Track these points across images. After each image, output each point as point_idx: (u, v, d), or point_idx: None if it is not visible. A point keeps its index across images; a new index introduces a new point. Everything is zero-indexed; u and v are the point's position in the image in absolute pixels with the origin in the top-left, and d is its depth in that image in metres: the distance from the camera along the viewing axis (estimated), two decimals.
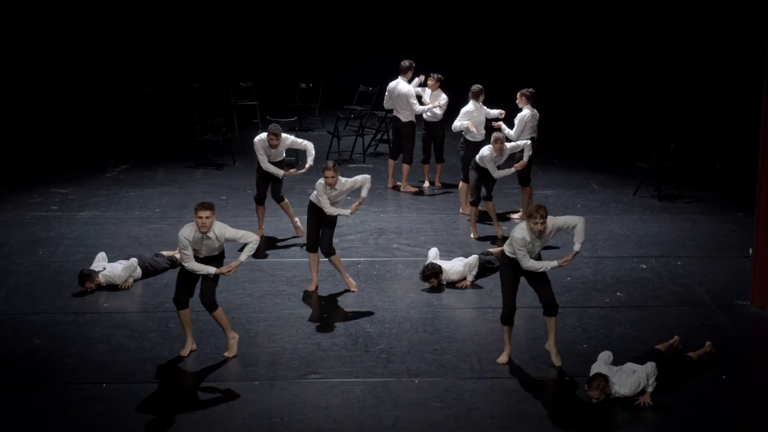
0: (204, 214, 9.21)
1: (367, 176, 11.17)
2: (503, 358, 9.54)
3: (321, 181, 10.84)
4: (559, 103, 18.81)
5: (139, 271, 11.39)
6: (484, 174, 12.70)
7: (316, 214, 11.00)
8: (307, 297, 11.02)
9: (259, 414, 8.60)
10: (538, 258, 9.35)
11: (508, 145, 12.77)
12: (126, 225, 13.34)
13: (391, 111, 15.22)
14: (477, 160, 12.69)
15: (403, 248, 12.59)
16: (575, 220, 9.36)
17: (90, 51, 19.76)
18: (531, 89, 13.29)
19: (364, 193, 11.15)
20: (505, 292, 9.47)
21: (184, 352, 9.65)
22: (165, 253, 11.87)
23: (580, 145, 17.95)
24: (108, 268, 11.26)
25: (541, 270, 9.26)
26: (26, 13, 19.47)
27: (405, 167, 14.92)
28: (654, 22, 20.11)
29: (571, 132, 18.61)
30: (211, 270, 9.38)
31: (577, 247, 9.31)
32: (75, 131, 18.31)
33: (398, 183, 15.08)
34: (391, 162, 15.21)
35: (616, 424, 8.59)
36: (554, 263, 9.26)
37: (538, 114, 13.31)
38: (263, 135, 12.53)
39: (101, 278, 11.15)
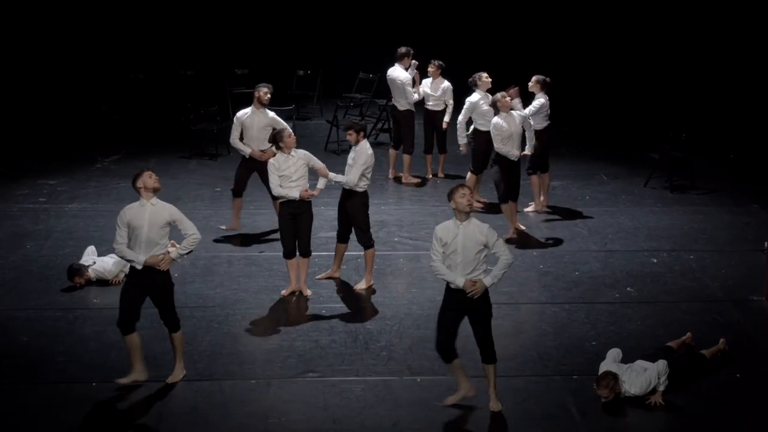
0: (155, 176, 8.89)
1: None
2: (452, 398, 8.69)
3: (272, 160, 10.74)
4: (567, 91, 18.76)
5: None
6: (509, 167, 12.26)
7: (289, 214, 10.80)
8: (305, 293, 11.01)
9: (255, 414, 8.59)
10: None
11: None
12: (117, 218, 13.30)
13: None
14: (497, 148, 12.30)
15: (405, 242, 12.58)
16: (505, 253, 8.42)
17: (79, 36, 19.72)
18: (546, 77, 13.25)
19: (320, 184, 10.99)
20: (438, 329, 8.64)
21: (125, 381, 8.95)
22: None
23: (589, 135, 17.93)
24: (98, 262, 11.24)
25: (445, 279, 8.40)
26: None
27: (406, 157, 14.90)
28: (667, 8, 20.06)
29: (579, 120, 18.59)
30: (141, 258, 8.68)
31: (488, 280, 8.34)
32: (64, 120, 18.28)
33: (399, 174, 15.06)
34: (392, 152, 15.20)
35: (626, 425, 8.58)
36: (461, 281, 8.29)
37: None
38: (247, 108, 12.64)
39: (91, 273, 11.13)
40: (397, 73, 14.69)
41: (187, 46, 20.07)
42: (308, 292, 10.94)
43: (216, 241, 12.51)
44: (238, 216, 12.83)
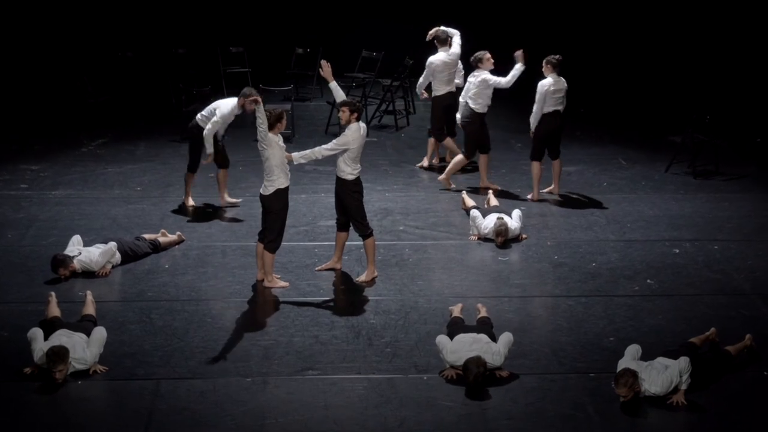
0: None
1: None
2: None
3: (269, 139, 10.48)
4: (583, 71, 18.73)
5: (118, 256, 11.37)
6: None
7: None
8: (304, 285, 10.99)
9: (251, 414, 8.59)
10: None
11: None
12: (104, 205, 13.33)
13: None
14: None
15: (411, 231, 12.56)
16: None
17: (65, 13, 19.71)
18: (557, 56, 13.18)
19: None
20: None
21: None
22: (147, 236, 11.86)
23: (607, 117, 17.91)
24: (84, 252, 11.24)
25: None
26: None
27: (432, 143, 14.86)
28: None
29: (596, 102, 18.56)
30: None
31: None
32: (47, 101, 18.28)
33: (437, 163, 15.00)
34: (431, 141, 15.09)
35: (646, 426, 8.56)
36: None
37: (565, 82, 13.23)
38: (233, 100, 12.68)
39: (76, 264, 11.13)
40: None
41: (178, 22, 20.05)
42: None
43: (209, 230, 12.50)
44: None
